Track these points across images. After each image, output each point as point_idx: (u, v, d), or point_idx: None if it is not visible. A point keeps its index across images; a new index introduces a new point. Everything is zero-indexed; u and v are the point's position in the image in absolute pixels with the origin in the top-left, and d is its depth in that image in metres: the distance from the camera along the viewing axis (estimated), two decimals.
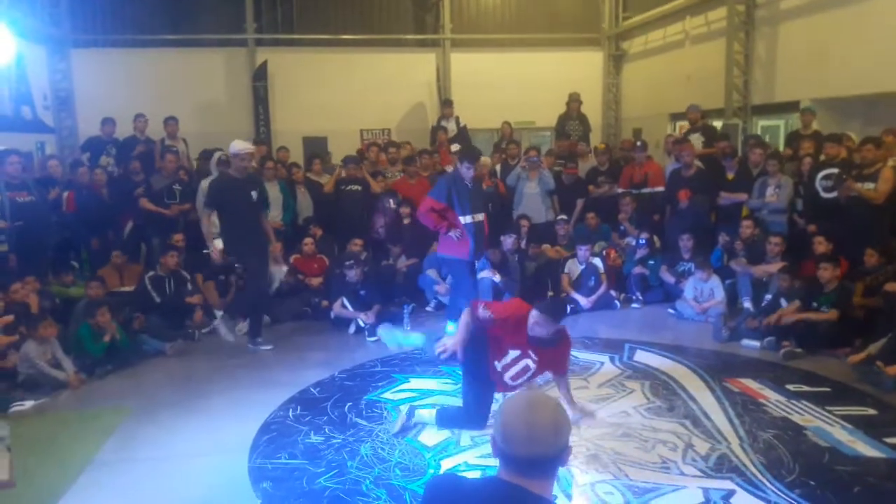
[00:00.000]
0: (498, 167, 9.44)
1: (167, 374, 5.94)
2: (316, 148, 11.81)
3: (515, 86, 13.45)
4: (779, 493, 3.66)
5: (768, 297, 6.80)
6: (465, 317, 4.26)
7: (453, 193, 5.94)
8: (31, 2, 11.40)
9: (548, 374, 4.57)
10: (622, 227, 8.73)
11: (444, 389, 5.33)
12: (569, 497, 3.67)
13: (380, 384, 5.44)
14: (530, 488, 1.63)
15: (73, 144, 11.60)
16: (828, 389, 5.16)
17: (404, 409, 4.62)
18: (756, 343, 6.20)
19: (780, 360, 5.84)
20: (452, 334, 4.59)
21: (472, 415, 4.32)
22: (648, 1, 12.67)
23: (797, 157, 8.02)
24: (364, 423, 4.69)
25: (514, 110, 12.23)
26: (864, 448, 4.17)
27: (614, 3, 14.37)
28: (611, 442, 4.31)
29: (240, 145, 6.35)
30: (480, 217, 6.10)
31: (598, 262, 7.80)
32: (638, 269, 7.98)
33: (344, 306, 7.01)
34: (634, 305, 7.84)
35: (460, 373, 4.63)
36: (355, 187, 8.59)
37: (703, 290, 7.24)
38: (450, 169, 8.87)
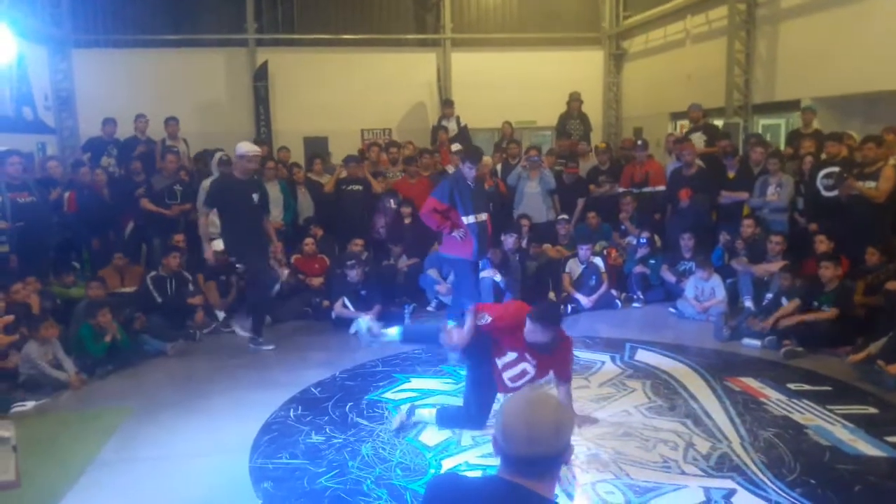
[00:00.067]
0: (499, 167, 9.43)
1: (168, 375, 5.94)
2: (317, 148, 11.82)
3: (516, 85, 13.45)
4: (780, 492, 3.66)
5: (769, 296, 6.79)
6: (470, 318, 4.26)
7: (455, 194, 5.93)
8: (33, 2, 11.42)
9: (550, 375, 4.55)
10: (623, 227, 8.73)
11: (445, 389, 5.32)
12: (570, 496, 3.67)
13: (381, 384, 5.44)
14: (531, 487, 1.63)
15: (75, 145, 11.61)
16: (829, 388, 5.16)
17: (404, 408, 4.63)
18: (757, 342, 6.20)
19: (780, 359, 5.83)
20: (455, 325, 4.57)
21: (472, 415, 4.33)
22: (649, 0, 12.66)
23: (798, 155, 8.02)
24: (365, 422, 4.69)
25: (514, 110, 12.24)
26: (865, 447, 4.16)
27: (615, 3, 14.37)
28: (612, 441, 4.31)
29: (247, 147, 6.41)
30: (483, 217, 6.09)
31: (599, 261, 7.80)
32: (639, 269, 7.98)
33: (345, 306, 7.02)
34: (635, 305, 7.84)
35: (464, 372, 4.64)
36: (356, 187, 8.59)
37: (703, 290, 7.23)
38: (450, 169, 8.88)
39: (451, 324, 4.61)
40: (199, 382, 5.62)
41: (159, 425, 4.73)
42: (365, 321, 5.19)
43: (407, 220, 8.33)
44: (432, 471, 3.99)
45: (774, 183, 7.63)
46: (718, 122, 10.34)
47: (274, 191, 7.91)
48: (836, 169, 7.01)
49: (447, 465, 4.08)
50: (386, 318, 6.96)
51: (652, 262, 7.97)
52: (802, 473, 3.85)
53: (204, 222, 6.52)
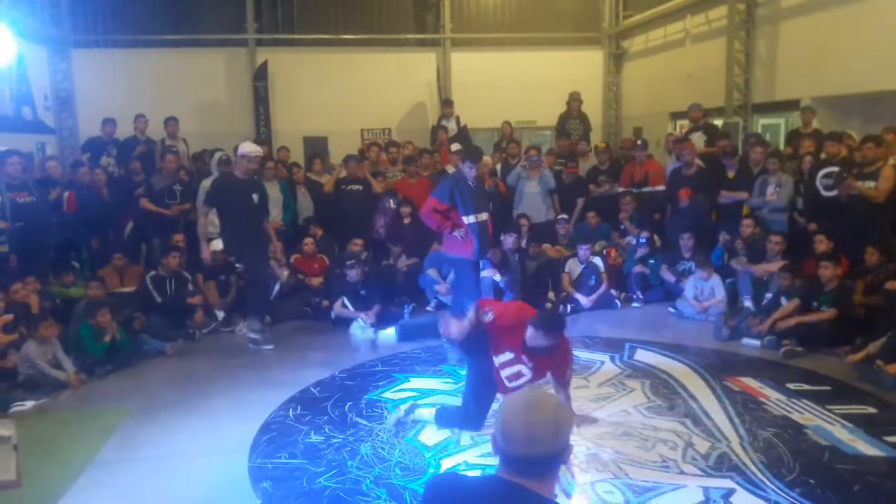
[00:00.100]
0: (498, 166, 9.43)
1: (167, 374, 5.94)
2: (316, 148, 11.82)
3: (516, 85, 13.45)
4: (779, 491, 3.66)
5: (769, 295, 6.79)
6: (472, 313, 4.26)
7: (456, 193, 5.93)
8: (32, 2, 11.42)
9: (547, 377, 4.54)
10: (622, 227, 8.73)
11: (444, 389, 5.32)
12: (569, 496, 3.67)
13: (380, 384, 5.44)
14: (531, 487, 1.63)
15: (74, 145, 11.62)
16: (828, 388, 5.16)
17: (403, 407, 4.64)
18: (756, 342, 6.20)
19: (780, 359, 5.83)
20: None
21: (470, 415, 4.32)
22: (649, 0, 12.67)
23: (798, 155, 8.02)
24: (364, 422, 4.69)
25: (514, 109, 12.24)
26: (865, 447, 4.16)
27: (614, 2, 14.37)
28: (611, 441, 4.31)
29: (249, 147, 6.45)
30: (484, 217, 6.09)
31: (598, 261, 7.80)
32: (638, 268, 7.98)
33: (344, 306, 7.02)
34: (635, 304, 7.84)
35: (464, 371, 4.64)
36: (356, 187, 8.59)
37: (703, 289, 7.24)
38: (450, 168, 8.88)
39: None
40: (199, 382, 5.62)
41: (159, 425, 4.73)
42: (391, 419, 4.68)
43: (406, 220, 8.33)
44: (431, 470, 3.99)
45: (774, 183, 7.63)
46: (718, 122, 10.34)
47: (273, 191, 7.91)
48: (835, 169, 7.01)
49: (446, 464, 4.08)
50: (385, 318, 6.99)
51: (651, 261, 7.97)
52: (801, 473, 3.85)
53: (203, 222, 6.53)
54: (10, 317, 5.53)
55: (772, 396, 4.98)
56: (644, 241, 8.07)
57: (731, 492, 3.68)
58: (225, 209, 6.29)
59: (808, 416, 4.64)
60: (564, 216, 8.70)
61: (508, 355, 4.11)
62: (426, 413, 4.55)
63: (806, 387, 5.16)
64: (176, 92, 12.28)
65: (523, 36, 14.20)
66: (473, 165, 6.02)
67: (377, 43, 13.75)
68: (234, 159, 7.48)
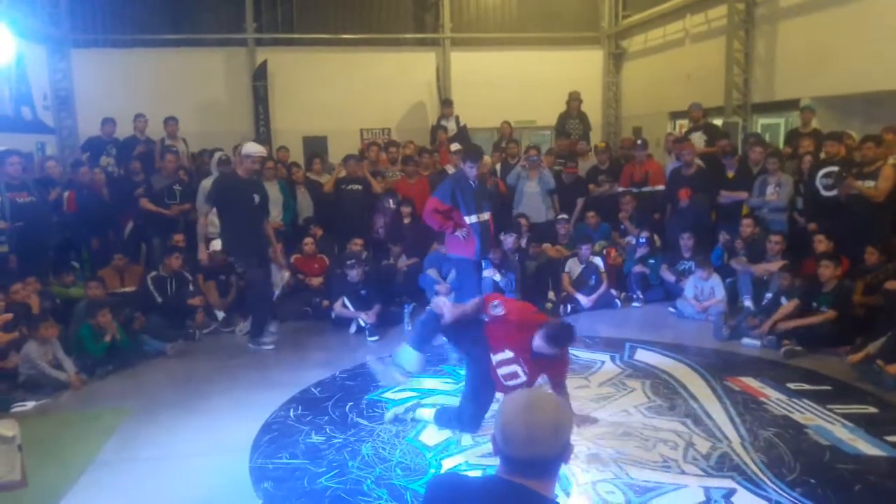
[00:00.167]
0: (498, 166, 9.43)
1: (168, 375, 5.94)
2: (316, 147, 11.82)
3: (515, 85, 13.45)
4: (780, 491, 3.66)
5: (769, 295, 6.80)
6: (473, 302, 4.25)
7: (458, 193, 5.92)
8: (31, 2, 11.40)
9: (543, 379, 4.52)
10: (622, 226, 8.74)
11: (445, 389, 5.32)
12: (570, 496, 3.67)
13: (381, 384, 5.43)
14: (532, 487, 1.63)
15: (74, 145, 11.60)
16: (829, 388, 5.16)
17: (405, 406, 4.64)
18: (757, 342, 6.20)
19: (780, 359, 5.84)
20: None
21: (468, 416, 4.29)
22: None
23: (797, 155, 8.02)
24: (365, 422, 4.69)
25: (514, 109, 12.23)
26: (865, 446, 4.17)
27: (614, 2, 14.37)
28: (611, 441, 4.31)
29: (253, 148, 6.48)
30: (486, 216, 6.08)
31: (598, 261, 7.81)
32: (638, 268, 7.98)
33: (345, 306, 7.01)
34: (635, 304, 7.84)
35: (463, 371, 4.63)
36: (355, 187, 8.59)
37: (703, 289, 7.24)
38: (450, 168, 8.88)
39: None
40: (199, 382, 5.62)
41: (159, 425, 4.73)
42: (389, 414, 4.76)
43: (406, 220, 8.33)
44: (432, 471, 3.99)
45: (774, 182, 7.63)
46: (717, 122, 10.34)
47: (273, 191, 7.91)
48: (835, 168, 7.01)
49: (447, 464, 4.08)
50: (386, 318, 6.99)
51: (651, 261, 7.98)
52: (802, 473, 3.85)
53: (203, 222, 6.53)
54: (9, 316, 5.52)
55: (772, 396, 4.99)
56: (644, 240, 8.08)
57: (732, 492, 3.69)
58: (226, 209, 6.29)
59: (809, 415, 4.64)
60: (564, 216, 8.70)
61: (508, 353, 4.09)
62: (427, 413, 4.55)
63: (806, 386, 5.17)
64: (175, 91, 12.27)
65: (523, 36, 14.20)
66: (474, 164, 6.01)
67: (377, 42, 13.74)
68: (235, 159, 7.50)
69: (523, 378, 4.10)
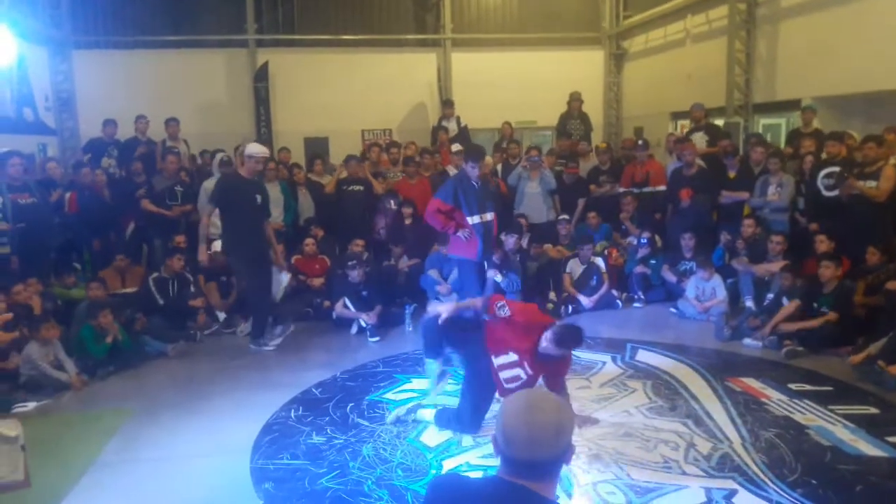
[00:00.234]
0: (499, 167, 9.43)
1: (169, 376, 5.94)
2: (317, 148, 11.83)
3: (516, 85, 13.46)
4: (781, 492, 3.66)
5: (770, 296, 6.79)
6: (475, 301, 4.24)
7: (460, 194, 5.92)
8: (33, 3, 11.43)
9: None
10: (624, 227, 8.73)
11: (445, 390, 5.31)
12: (571, 496, 3.67)
13: (382, 384, 5.44)
14: (533, 488, 1.63)
15: (75, 146, 11.63)
16: (830, 388, 5.16)
17: (406, 406, 4.64)
18: (758, 342, 6.20)
19: (781, 359, 5.83)
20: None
21: (466, 417, 4.30)
22: (649, 0, 12.66)
23: (798, 155, 8.01)
24: (366, 423, 4.69)
25: (515, 110, 12.25)
26: (866, 447, 4.16)
27: (615, 2, 14.39)
28: (612, 441, 4.31)
29: (256, 148, 6.52)
30: (489, 217, 6.07)
31: (599, 261, 7.80)
32: (640, 269, 7.98)
33: (346, 307, 7.01)
34: (636, 305, 7.84)
35: (461, 372, 4.63)
36: (357, 187, 8.60)
37: (704, 289, 7.23)
38: (451, 169, 8.88)
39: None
40: (200, 383, 5.62)
41: (160, 426, 4.73)
42: (391, 416, 4.75)
43: (407, 221, 8.33)
44: (433, 471, 3.99)
45: (775, 183, 7.62)
46: (719, 122, 10.34)
47: (274, 191, 7.92)
48: (836, 168, 7.01)
49: (448, 465, 4.08)
50: (387, 319, 6.99)
51: (653, 262, 7.97)
52: (803, 474, 3.85)
53: (206, 222, 6.54)
54: (9, 315, 5.52)
55: (773, 397, 4.98)
56: (645, 241, 8.07)
57: (733, 492, 3.68)
58: (228, 209, 6.31)
59: (810, 416, 4.64)
60: (565, 216, 8.69)
61: (511, 356, 4.07)
62: (427, 414, 4.55)
63: (808, 387, 5.16)
64: (176, 93, 12.30)
65: (524, 36, 14.22)
66: (476, 165, 6.01)
67: (378, 43, 13.76)
68: (237, 159, 7.51)
69: (524, 379, 4.09)
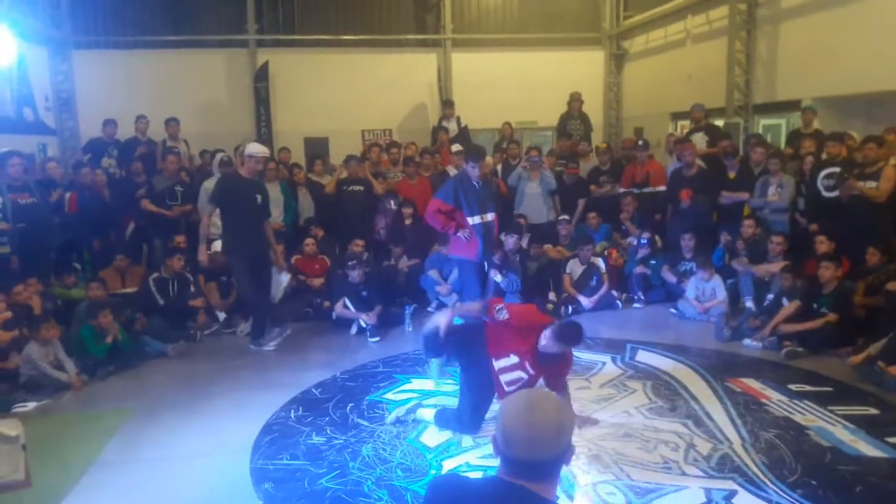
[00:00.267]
0: (499, 167, 9.43)
1: (169, 376, 5.94)
2: (317, 148, 11.82)
3: (516, 86, 13.46)
4: (781, 493, 3.66)
5: (770, 296, 6.79)
6: (473, 306, 4.24)
7: (460, 194, 5.92)
8: (33, 3, 11.42)
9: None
10: (624, 227, 8.73)
11: (445, 390, 5.32)
12: (570, 497, 3.67)
13: (382, 385, 5.44)
14: (532, 489, 1.62)
15: (75, 146, 11.63)
16: (830, 389, 5.16)
17: (406, 406, 4.63)
18: (758, 343, 6.20)
19: (781, 360, 5.83)
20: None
21: (466, 418, 4.29)
22: (649, 0, 12.67)
23: (799, 156, 8.01)
24: (366, 423, 4.69)
25: (515, 110, 12.25)
26: (866, 448, 4.16)
27: (615, 3, 14.39)
28: (612, 442, 4.31)
29: (256, 148, 6.53)
30: (489, 217, 6.07)
31: (599, 262, 7.80)
32: (640, 269, 7.97)
33: (346, 307, 7.01)
34: (636, 305, 7.84)
35: (459, 373, 4.62)
36: (357, 188, 8.60)
37: (704, 290, 7.23)
38: (451, 169, 8.88)
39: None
40: (200, 383, 5.62)
41: (160, 426, 4.73)
42: (391, 416, 4.74)
43: (407, 221, 8.33)
44: (433, 472, 3.99)
45: (775, 183, 7.62)
46: (719, 122, 10.34)
47: (274, 191, 7.92)
48: (836, 169, 7.01)
49: (448, 466, 4.08)
50: (387, 319, 6.98)
51: (653, 262, 7.97)
52: (803, 474, 3.85)
53: (206, 222, 6.54)
54: (9, 314, 5.53)
55: (773, 397, 4.98)
56: (645, 241, 8.07)
57: (732, 493, 3.68)
58: (229, 208, 6.31)
59: (810, 417, 4.64)
60: (565, 217, 8.69)
61: (512, 359, 4.07)
62: (427, 414, 4.55)
63: (807, 388, 5.16)
64: (177, 93, 12.30)
65: (524, 37, 14.22)
66: (476, 165, 6.01)
67: (378, 44, 13.76)
68: (237, 159, 7.51)
69: (524, 380, 4.09)
